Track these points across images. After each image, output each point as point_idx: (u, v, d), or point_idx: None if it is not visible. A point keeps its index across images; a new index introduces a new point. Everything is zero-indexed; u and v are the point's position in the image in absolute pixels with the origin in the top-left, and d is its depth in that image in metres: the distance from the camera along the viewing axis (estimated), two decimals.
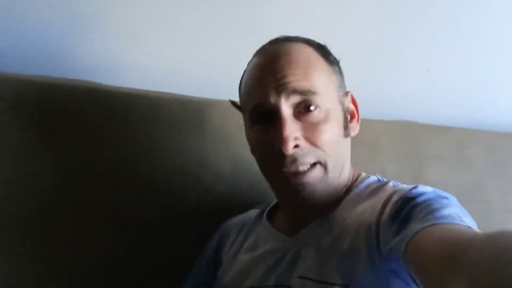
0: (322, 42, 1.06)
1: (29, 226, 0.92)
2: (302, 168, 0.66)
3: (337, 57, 0.75)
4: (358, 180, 0.75)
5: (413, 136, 0.99)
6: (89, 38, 1.09)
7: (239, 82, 0.76)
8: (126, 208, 0.94)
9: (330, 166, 0.68)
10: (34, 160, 0.94)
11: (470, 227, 0.52)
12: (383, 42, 1.10)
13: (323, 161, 0.67)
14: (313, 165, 0.67)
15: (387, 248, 0.58)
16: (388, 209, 0.62)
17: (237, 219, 0.88)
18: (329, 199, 0.71)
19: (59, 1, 1.08)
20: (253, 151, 0.73)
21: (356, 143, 0.95)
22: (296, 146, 0.65)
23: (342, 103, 0.72)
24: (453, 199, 0.61)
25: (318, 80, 0.67)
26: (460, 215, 0.54)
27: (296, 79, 0.66)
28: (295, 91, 0.65)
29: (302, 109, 0.66)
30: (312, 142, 0.66)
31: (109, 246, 0.93)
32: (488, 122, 1.10)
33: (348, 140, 0.74)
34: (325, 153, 0.67)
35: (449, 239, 0.48)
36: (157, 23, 1.09)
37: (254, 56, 0.74)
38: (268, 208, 0.82)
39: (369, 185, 0.72)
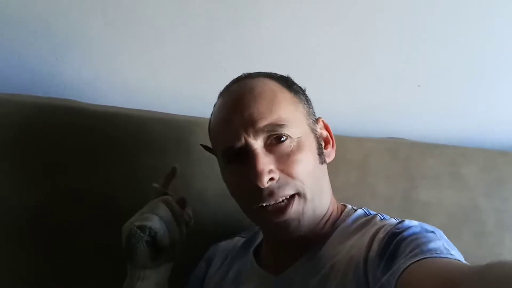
0: (307, 60, 1.06)
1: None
2: (281, 199, 0.65)
3: (302, 86, 0.76)
4: (344, 214, 0.74)
5: (404, 154, 0.97)
6: (70, 57, 1.08)
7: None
8: (107, 230, 0.91)
9: (308, 195, 0.67)
10: (12, 180, 0.92)
11: (458, 260, 0.53)
12: (373, 58, 1.08)
13: (301, 191, 0.66)
14: (292, 196, 0.66)
15: (377, 286, 0.56)
16: (375, 246, 0.61)
17: (223, 244, 0.87)
18: (315, 231, 0.70)
19: (40, 21, 1.06)
20: (232, 192, 0.72)
21: (345, 162, 0.94)
22: (271, 179, 0.64)
23: (313, 131, 0.72)
24: (439, 232, 0.61)
25: (284, 112, 0.68)
26: (447, 248, 0.55)
27: (262, 116, 0.66)
28: (263, 128, 0.66)
29: (274, 141, 0.67)
30: (288, 173, 0.66)
31: (88, 268, 0.91)
32: (481, 139, 1.08)
33: (324, 166, 0.73)
34: (302, 183, 0.66)
35: (441, 273, 0.48)
36: (140, 42, 1.08)
37: (218, 97, 0.75)
38: (255, 245, 0.81)
39: (356, 220, 0.72)
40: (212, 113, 0.75)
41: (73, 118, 0.94)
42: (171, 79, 1.09)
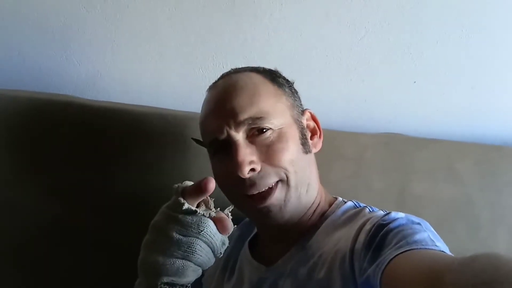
0: (304, 55, 1.07)
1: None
2: (264, 189, 0.67)
3: (291, 79, 0.78)
4: (334, 206, 0.75)
5: (399, 149, 0.98)
6: (69, 53, 1.08)
7: None
8: (105, 225, 0.92)
9: (292, 182, 0.69)
10: (9, 174, 0.92)
11: (443, 251, 0.54)
12: (369, 54, 1.09)
13: (284, 178, 0.68)
14: (275, 184, 0.68)
15: (363, 277, 0.58)
16: (361, 237, 0.62)
17: None
18: (302, 221, 0.72)
19: (37, 16, 1.07)
20: (217, 181, 0.72)
21: (341, 157, 0.95)
22: (253, 169, 0.66)
23: (297, 122, 0.73)
24: (425, 224, 0.62)
25: (265, 104, 0.70)
26: (433, 240, 0.56)
27: (243, 109, 0.68)
28: (243, 120, 0.68)
29: (256, 132, 0.69)
30: (269, 163, 0.67)
31: (85, 263, 0.92)
32: (475, 134, 1.09)
33: (310, 156, 0.74)
34: (286, 170, 0.68)
35: (426, 264, 0.49)
36: (137, 37, 1.08)
37: (207, 91, 0.77)
38: (250, 236, 0.83)
39: (345, 211, 0.73)
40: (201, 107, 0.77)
41: (71, 113, 0.95)
42: (169, 75, 1.09)
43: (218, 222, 0.57)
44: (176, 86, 1.09)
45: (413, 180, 0.96)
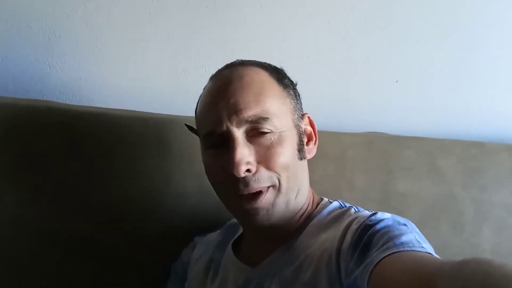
0: (286, 56, 1.07)
1: None
2: (256, 191, 0.66)
3: (294, 80, 0.76)
4: (319, 206, 0.74)
5: (381, 147, 0.98)
6: (52, 59, 1.08)
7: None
8: (89, 229, 0.92)
9: (283, 189, 0.67)
10: None
11: (430, 253, 0.54)
12: (351, 53, 1.10)
13: (276, 184, 0.67)
14: (267, 188, 0.66)
15: (351, 278, 0.57)
16: (348, 238, 0.62)
17: (206, 237, 0.88)
18: (289, 224, 0.71)
19: (20, 23, 1.07)
20: (208, 174, 0.72)
21: (323, 157, 0.95)
22: (248, 170, 0.65)
23: (297, 126, 0.72)
24: (411, 225, 0.62)
25: (270, 105, 0.67)
26: (419, 241, 0.56)
27: (248, 106, 0.66)
28: (246, 118, 0.65)
29: (256, 133, 0.66)
30: (265, 166, 0.66)
31: (70, 267, 0.91)
32: (457, 131, 1.09)
33: (304, 162, 0.73)
34: (279, 176, 0.66)
35: (414, 267, 0.49)
36: (119, 42, 1.08)
37: (209, 80, 0.75)
38: (235, 237, 0.82)
39: (331, 212, 0.72)
40: (201, 94, 0.75)
41: (54, 119, 0.94)
42: (151, 79, 1.09)
43: None
44: (159, 90, 1.09)
45: (396, 178, 0.96)
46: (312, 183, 0.77)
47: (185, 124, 0.80)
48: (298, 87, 0.76)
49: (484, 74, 1.10)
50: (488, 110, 1.11)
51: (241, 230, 0.82)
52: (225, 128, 0.66)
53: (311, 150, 0.75)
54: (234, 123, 0.65)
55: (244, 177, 0.64)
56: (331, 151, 0.96)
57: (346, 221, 0.66)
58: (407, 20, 1.09)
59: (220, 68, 0.75)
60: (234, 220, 0.84)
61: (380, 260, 0.53)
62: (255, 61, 0.75)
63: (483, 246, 0.94)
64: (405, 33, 1.09)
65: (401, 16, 1.09)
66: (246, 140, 0.66)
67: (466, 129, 1.10)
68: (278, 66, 0.76)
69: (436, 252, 0.56)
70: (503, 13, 1.10)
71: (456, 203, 0.96)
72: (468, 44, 1.10)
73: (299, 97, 0.75)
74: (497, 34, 1.10)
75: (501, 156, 0.99)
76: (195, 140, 0.91)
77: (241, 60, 0.75)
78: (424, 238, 0.59)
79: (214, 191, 0.73)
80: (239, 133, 0.65)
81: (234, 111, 0.65)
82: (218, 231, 0.87)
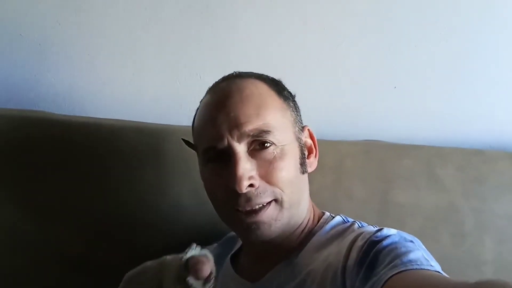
0: (281, 63, 1.06)
1: None
2: (258, 206, 0.64)
3: (291, 90, 0.74)
4: (321, 221, 0.73)
5: (379, 156, 0.96)
6: (42, 67, 1.07)
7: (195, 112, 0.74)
8: (80, 241, 0.90)
9: (286, 203, 0.66)
10: None
11: (438, 271, 0.52)
12: (348, 60, 1.08)
13: (279, 199, 0.65)
14: (269, 203, 0.65)
15: None
16: (353, 254, 0.60)
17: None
18: (290, 239, 0.69)
19: (12, 32, 1.06)
20: (208, 191, 0.71)
21: (321, 166, 0.92)
22: (251, 185, 0.63)
23: (298, 139, 0.70)
24: (417, 242, 0.60)
25: (271, 118, 0.66)
26: (427, 259, 0.55)
27: (249, 120, 0.64)
28: (248, 132, 0.64)
29: (257, 146, 0.65)
30: (268, 180, 0.64)
31: (67, 280, 0.90)
32: (457, 139, 1.08)
33: (305, 176, 0.72)
34: (281, 190, 0.65)
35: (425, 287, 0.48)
36: (112, 51, 1.07)
37: (207, 93, 0.73)
38: (232, 252, 0.80)
39: (333, 227, 0.71)
40: (197, 108, 0.73)
41: (43, 129, 0.93)
42: (145, 88, 1.08)
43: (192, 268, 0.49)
44: (152, 99, 1.08)
45: (394, 188, 0.94)
46: (310, 194, 0.75)
47: (182, 139, 0.78)
48: (295, 95, 0.75)
49: (484, 80, 1.09)
50: (488, 116, 1.09)
51: (239, 244, 0.80)
52: (226, 143, 0.64)
53: (312, 164, 0.74)
54: (235, 138, 0.64)
55: (245, 193, 0.63)
56: (329, 160, 0.94)
57: (350, 237, 0.64)
58: (404, 26, 1.08)
59: (217, 80, 0.74)
60: (233, 233, 0.83)
61: (388, 278, 0.51)
62: (252, 73, 0.73)
63: (484, 257, 0.92)
64: (402, 39, 1.08)
65: (398, 21, 1.08)
66: (247, 155, 0.64)
67: (466, 136, 1.08)
68: (274, 74, 0.75)
69: None
70: (503, 19, 1.08)
71: (456, 213, 0.93)
72: (467, 50, 1.08)
73: (298, 109, 0.74)
74: (497, 40, 1.08)
75: (502, 164, 0.97)
76: (190, 150, 0.90)
77: (238, 72, 0.73)
78: (431, 256, 0.58)
79: (209, 203, 0.71)
80: (240, 148, 0.64)
81: (235, 125, 0.64)
82: (215, 244, 0.86)
